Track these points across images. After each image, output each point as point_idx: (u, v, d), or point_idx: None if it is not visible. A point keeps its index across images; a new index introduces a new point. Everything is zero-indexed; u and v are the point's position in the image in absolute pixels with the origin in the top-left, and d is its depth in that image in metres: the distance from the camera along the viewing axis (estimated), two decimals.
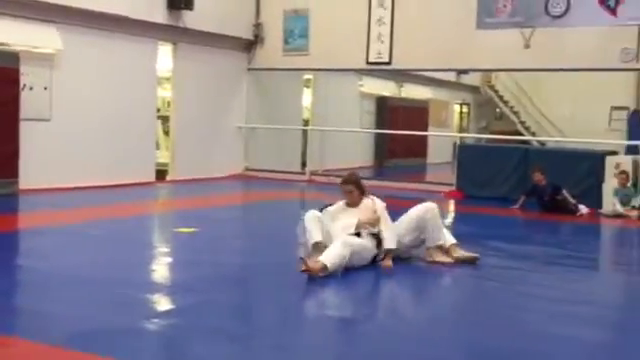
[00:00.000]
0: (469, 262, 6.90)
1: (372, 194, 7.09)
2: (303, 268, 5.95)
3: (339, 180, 7.18)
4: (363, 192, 7.00)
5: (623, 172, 11.56)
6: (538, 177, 11.57)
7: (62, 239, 7.80)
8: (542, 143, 20.84)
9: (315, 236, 6.34)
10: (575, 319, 5.25)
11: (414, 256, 7.08)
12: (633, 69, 14.83)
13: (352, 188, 6.95)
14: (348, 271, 6.25)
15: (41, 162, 11.64)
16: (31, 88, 11.55)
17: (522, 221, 11.27)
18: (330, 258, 6.13)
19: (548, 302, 5.74)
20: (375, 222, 6.75)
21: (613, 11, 12.00)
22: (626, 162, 12.00)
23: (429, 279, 6.67)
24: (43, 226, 8.61)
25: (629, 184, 11.51)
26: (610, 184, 11.66)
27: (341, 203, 7.02)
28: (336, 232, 6.56)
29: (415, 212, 7.03)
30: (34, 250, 7.27)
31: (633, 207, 11.12)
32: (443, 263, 6.84)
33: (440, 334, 4.86)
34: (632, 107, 23.34)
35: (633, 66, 13.17)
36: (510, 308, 5.58)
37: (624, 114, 23.50)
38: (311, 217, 6.47)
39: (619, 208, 11.24)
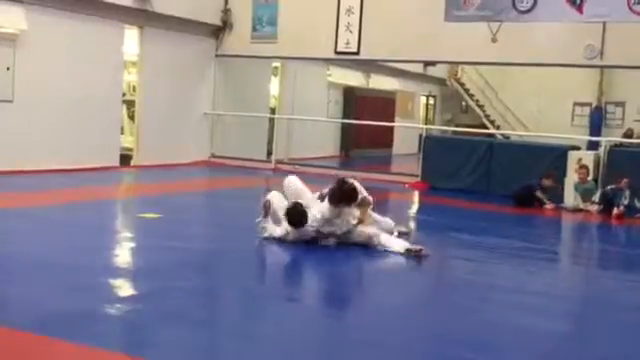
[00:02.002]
0: None
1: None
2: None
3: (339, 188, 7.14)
4: None
5: (583, 167, 11.66)
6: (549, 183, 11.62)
7: (23, 223, 7.68)
8: (506, 137, 21.09)
9: None
10: (534, 310, 5.34)
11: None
12: (596, 66, 15.06)
13: None
14: (312, 260, 6.27)
15: (2, 144, 11.46)
16: None
17: (485, 213, 11.38)
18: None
19: (508, 293, 5.84)
20: None
21: (579, 8, 12.15)
22: (587, 157, 12.16)
23: (390, 268, 6.72)
24: (4, 209, 8.47)
25: (589, 178, 11.66)
26: (572, 179, 11.81)
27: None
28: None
29: None
30: None
31: (593, 202, 11.26)
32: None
33: (402, 323, 4.90)
34: (594, 103, 23.73)
35: (597, 63, 13.37)
36: (470, 298, 5.65)
37: (587, 110, 23.89)
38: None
39: (581, 203, 11.41)
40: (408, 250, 6.89)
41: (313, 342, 4.41)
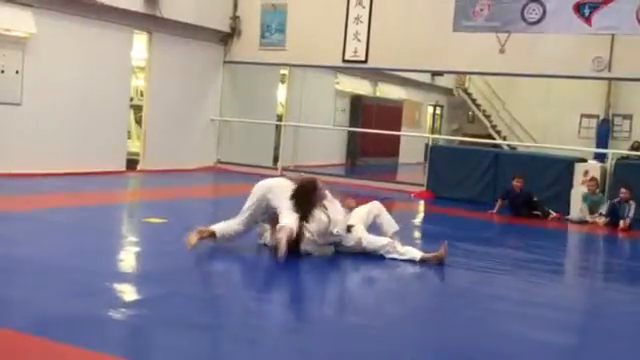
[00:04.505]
0: None
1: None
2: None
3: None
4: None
5: (593, 179, 11.66)
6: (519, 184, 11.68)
7: (29, 225, 7.69)
8: (512, 147, 21.07)
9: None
10: (539, 322, 5.31)
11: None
12: (604, 78, 15.04)
13: None
14: (316, 268, 6.26)
15: (10, 147, 11.50)
16: (2, 71, 11.40)
17: (490, 224, 11.36)
18: None
19: (513, 304, 5.82)
20: None
21: (588, 20, 12.14)
22: (595, 169, 12.13)
23: (396, 277, 6.71)
24: (10, 212, 8.49)
25: (598, 190, 11.63)
26: (578, 190, 11.79)
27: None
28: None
29: None
30: (0, 235, 7.17)
31: (600, 214, 11.23)
32: None
33: (406, 333, 4.88)
34: (601, 116, 23.68)
35: (605, 75, 13.35)
36: (475, 309, 5.63)
37: (594, 122, 23.85)
38: None
39: (587, 215, 11.37)
40: (424, 259, 6.86)
41: (316, 350, 4.39)
